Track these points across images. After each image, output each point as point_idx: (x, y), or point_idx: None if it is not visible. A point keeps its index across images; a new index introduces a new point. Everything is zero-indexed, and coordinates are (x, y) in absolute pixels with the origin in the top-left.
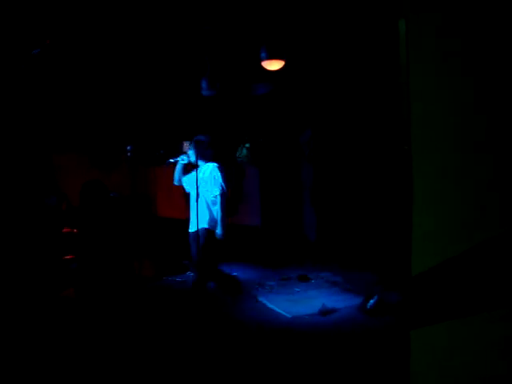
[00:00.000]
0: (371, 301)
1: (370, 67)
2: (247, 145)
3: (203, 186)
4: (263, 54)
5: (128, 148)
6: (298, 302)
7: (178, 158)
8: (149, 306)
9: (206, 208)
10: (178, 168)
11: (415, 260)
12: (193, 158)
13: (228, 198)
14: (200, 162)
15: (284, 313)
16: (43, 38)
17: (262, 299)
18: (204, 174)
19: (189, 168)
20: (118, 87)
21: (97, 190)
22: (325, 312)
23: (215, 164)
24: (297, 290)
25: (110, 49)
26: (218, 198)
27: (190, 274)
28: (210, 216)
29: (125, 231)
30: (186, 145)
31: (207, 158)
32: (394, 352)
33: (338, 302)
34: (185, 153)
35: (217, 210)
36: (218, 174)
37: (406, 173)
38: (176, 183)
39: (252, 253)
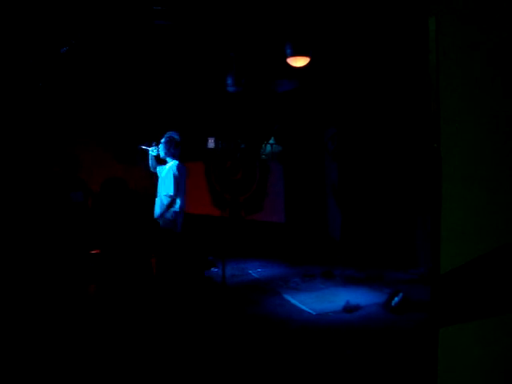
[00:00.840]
0: (396, 298)
1: (396, 64)
2: (271, 141)
3: (160, 183)
4: (288, 51)
5: (153, 144)
6: (322, 299)
7: (149, 149)
8: (173, 302)
9: (159, 202)
10: (150, 157)
11: (444, 258)
12: (162, 154)
13: (252, 195)
14: (168, 159)
15: (308, 309)
16: (71, 37)
17: (287, 296)
18: (164, 171)
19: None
20: (143, 83)
21: (116, 188)
22: (349, 309)
23: (176, 163)
24: (321, 286)
25: (137, 46)
26: (166, 199)
27: (214, 269)
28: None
29: (145, 227)
30: (210, 141)
31: (174, 156)
32: (419, 350)
33: (363, 299)
34: (157, 145)
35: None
36: (171, 176)
37: (434, 170)
38: (152, 170)
39: (276, 249)
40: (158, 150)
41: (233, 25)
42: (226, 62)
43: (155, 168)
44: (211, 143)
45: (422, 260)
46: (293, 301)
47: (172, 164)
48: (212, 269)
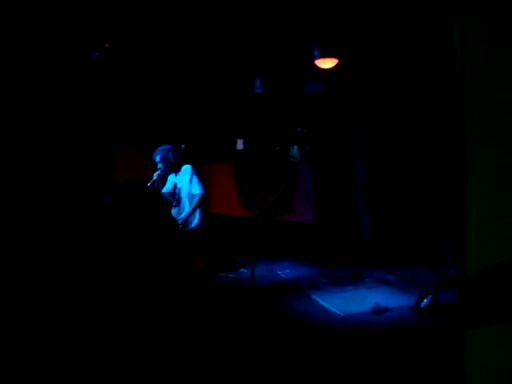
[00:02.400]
0: (425, 300)
1: (424, 64)
2: (299, 142)
3: (182, 186)
4: (316, 53)
5: (182, 146)
6: (350, 300)
7: (154, 177)
8: (203, 302)
9: (186, 203)
10: (155, 183)
11: (470, 260)
12: (167, 170)
13: (280, 196)
14: (174, 171)
15: (337, 311)
16: (102, 42)
17: (315, 297)
18: (178, 175)
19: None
20: (174, 85)
21: (134, 189)
22: (378, 311)
23: (189, 166)
24: (350, 288)
25: (168, 48)
26: (195, 198)
27: (243, 270)
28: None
29: (172, 228)
30: (239, 142)
31: (177, 165)
32: (447, 353)
33: (391, 300)
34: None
35: None
36: (190, 176)
37: (460, 171)
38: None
39: (305, 250)
40: (162, 171)
41: (261, 27)
42: (255, 64)
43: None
44: (240, 144)
45: (451, 262)
46: (321, 302)
47: (185, 168)
48: (241, 269)
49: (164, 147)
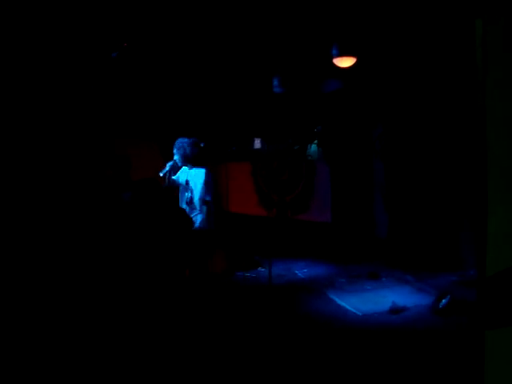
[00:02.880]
0: (443, 300)
1: (443, 61)
2: (316, 142)
3: (194, 186)
4: (334, 51)
5: (201, 144)
6: (368, 300)
7: (167, 168)
8: (222, 301)
9: (197, 205)
10: (166, 175)
11: (490, 260)
12: (180, 163)
13: (298, 195)
14: (188, 165)
15: (354, 310)
16: (121, 42)
17: (332, 296)
18: (189, 175)
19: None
20: (192, 84)
21: (149, 188)
22: (395, 310)
23: (204, 170)
24: (367, 287)
25: (185, 48)
26: (201, 203)
27: (261, 269)
28: None
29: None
30: (256, 142)
31: (194, 161)
32: (467, 354)
33: (409, 300)
34: (173, 160)
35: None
36: (202, 182)
37: (480, 171)
38: (167, 183)
39: (322, 249)
40: (175, 162)
41: (279, 25)
42: (272, 63)
43: (171, 182)
44: (257, 144)
45: (470, 262)
46: (338, 301)
47: (200, 171)
48: (258, 268)
49: (185, 139)
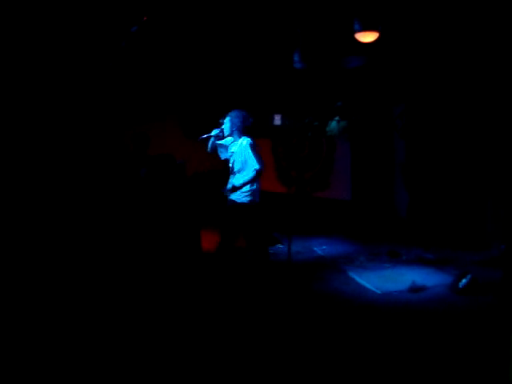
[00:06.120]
0: (464, 280)
1: (468, 36)
2: (337, 118)
3: (237, 159)
4: (357, 26)
5: (220, 121)
6: (387, 278)
7: (212, 133)
8: (240, 277)
9: (241, 176)
10: (211, 140)
11: None
12: (227, 131)
13: (318, 172)
14: (234, 135)
15: (373, 288)
16: (141, 16)
17: (352, 274)
18: (235, 146)
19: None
20: (211, 60)
21: (164, 164)
22: (414, 289)
23: (249, 140)
24: (387, 265)
25: (205, 22)
26: (251, 174)
27: (280, 246)
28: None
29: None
30: (276, 118)
31: (242, 132)
32: (489, 335)
33: (429, 279)
34: (219, 127)
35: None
36: (250, 151)
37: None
38: (209, 151)
39: (342, 227)
40: (221, 131)
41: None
42: (293, 38)
43: (213, 149)
44: (277, 120)
45: (493, 242)
46: (357, 279)
47: (245, 141)
48: (277, 245)
49: (240, 111)
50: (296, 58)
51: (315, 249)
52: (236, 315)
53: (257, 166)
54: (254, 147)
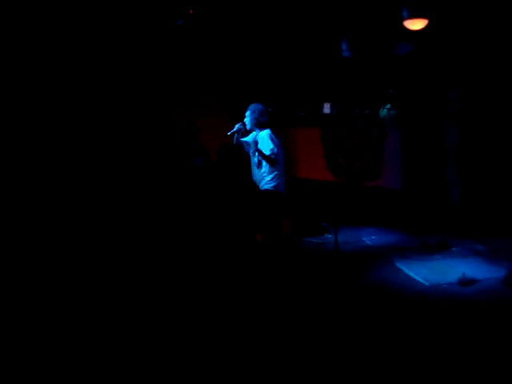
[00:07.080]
0: None
1: None
2: (388, 106)
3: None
4: (405, 13)
5: (269, 110)
6: (436, 270)
7: (234, 129)
8: (289, 267)
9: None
10: (235, 136)
11: None
12: (249, 125)
13: (368, 161)
14: (256, 129)
15: (422, 280)
16: (187, 9)
17: (400, 265)
18: (259, 141)
19: (245, 133)
20: (261, 49)
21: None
22: (464, 282)
23: (268, 131)
24: (437, 257)
25: (253, 11)
26: (269, 157)
27: (328, 236)
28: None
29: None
30: (326, 106)
31: (263, 126)
32: None
33: (480, 272)
34: (242, 121)
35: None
36: (268, 138)
37: None
38: (235, 144)
39: (391, 217)
40: (243, 124)
41: None
42: (341, 26)
43: (238, 144)
44: (327, 108)
45: None
46: (406, 270)
47: (264, 132)
48: (325, 235)
49: (258, 105)
50: (344, 46)
51: (364, 239)
52: (283, 304)
53: (271, 146)
54: (273, 137)
